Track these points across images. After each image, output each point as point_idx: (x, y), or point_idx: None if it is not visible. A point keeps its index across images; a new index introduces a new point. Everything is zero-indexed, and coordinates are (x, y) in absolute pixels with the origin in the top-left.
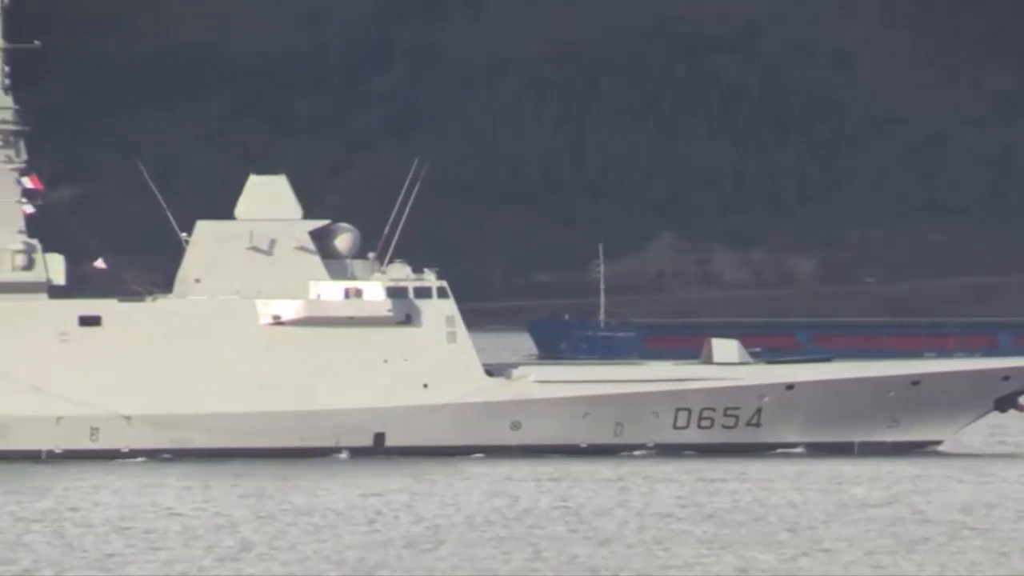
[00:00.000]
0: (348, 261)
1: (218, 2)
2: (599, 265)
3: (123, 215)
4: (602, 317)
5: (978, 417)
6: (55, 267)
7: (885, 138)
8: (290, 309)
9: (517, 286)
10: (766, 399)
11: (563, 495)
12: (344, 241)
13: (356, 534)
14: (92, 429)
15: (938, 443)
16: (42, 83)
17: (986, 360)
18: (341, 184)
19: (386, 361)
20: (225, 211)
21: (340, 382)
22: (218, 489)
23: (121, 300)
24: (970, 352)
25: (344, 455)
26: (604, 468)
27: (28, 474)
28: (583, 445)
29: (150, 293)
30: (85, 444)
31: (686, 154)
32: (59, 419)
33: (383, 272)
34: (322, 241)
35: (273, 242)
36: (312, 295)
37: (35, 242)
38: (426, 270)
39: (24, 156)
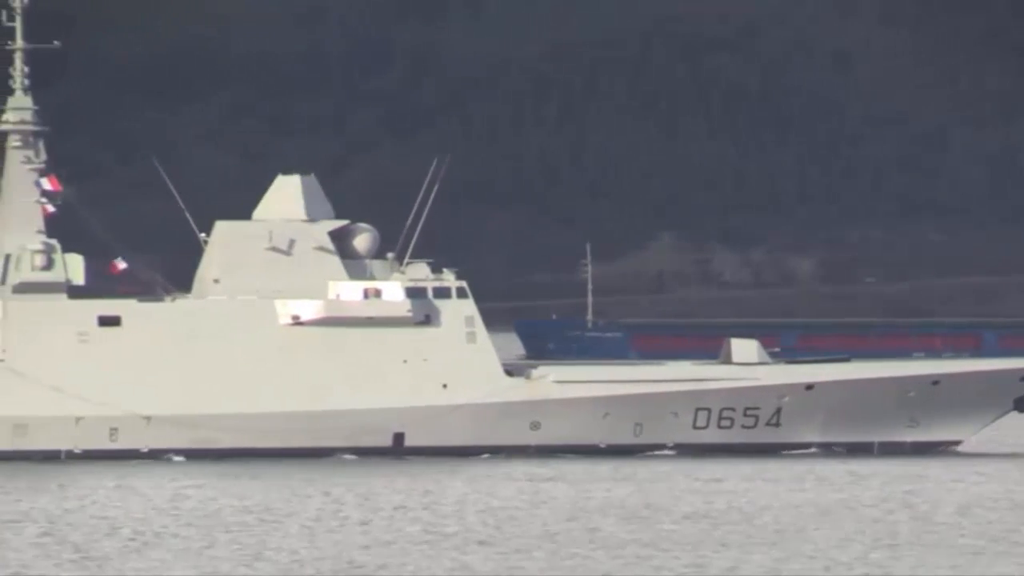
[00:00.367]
0: (367, 261)
1: (218, 2)
2: (586, 265)
3: (124, 215)
4: (590, 317)
5: (997, 417)
6: (74, 267)
7: (885, 138)
8: (309, 309)
9: (516, 286)
10: (786, 399)
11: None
12: (363, 241)
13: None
14: (111, 429)
15: (957, 443)
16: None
17: (1006, 360)
18: (341, 184)
19: (405, 361)
20: (227, 211)
21: (359, 382)
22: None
23: (140, 300)
24: (956, 352)
25: (351, 456)
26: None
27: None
28: (602, 445)
29: (169, 293)
30: (104, 444)
31: (686, 154)
32: (78, 419)
33: (402, 272)
34: (341, 241)
35: (292, 242)
36: (331, 295)
37: (54, 242)
38: (445, 270)
39: (43, 156)
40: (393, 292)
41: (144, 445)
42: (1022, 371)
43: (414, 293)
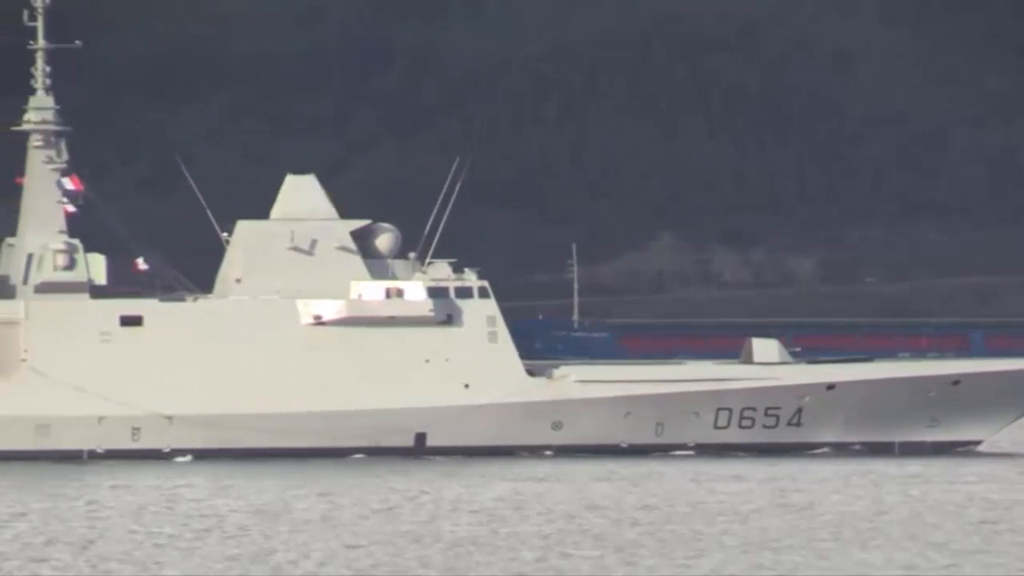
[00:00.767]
0: (389, 261)
1: (218, 2)
2: (572, 266)
3: (128, 214)
4: (575, 318)
5: (1018, 417)
6: (96, 267)
7: (885, 138)
8: (331, 309)
9: (516, 286)
10: (807, 399)
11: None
12: (385, 241)
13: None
14: (134, 429)
15: (978, 443)
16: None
17: None
18: (342, 184)
19: (427, 361)
20: (228, 211)
21: (381, 382)
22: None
23: (162, 300)
24: (942, 353)
25: (359, 456)
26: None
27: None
28: (624, 445)
29: (190, 293)
30: (127, 444)
31: (686, 154)
32: (101, 419)
33: (424, 272)
34: (363, 241)
35: (314, 242)
36: (353, 295)
37: (76, 242)
38: (467, 270)
39: (65, 156)
40: (415, 292)
41: (166, 445)
42: None
43: (436, 293)
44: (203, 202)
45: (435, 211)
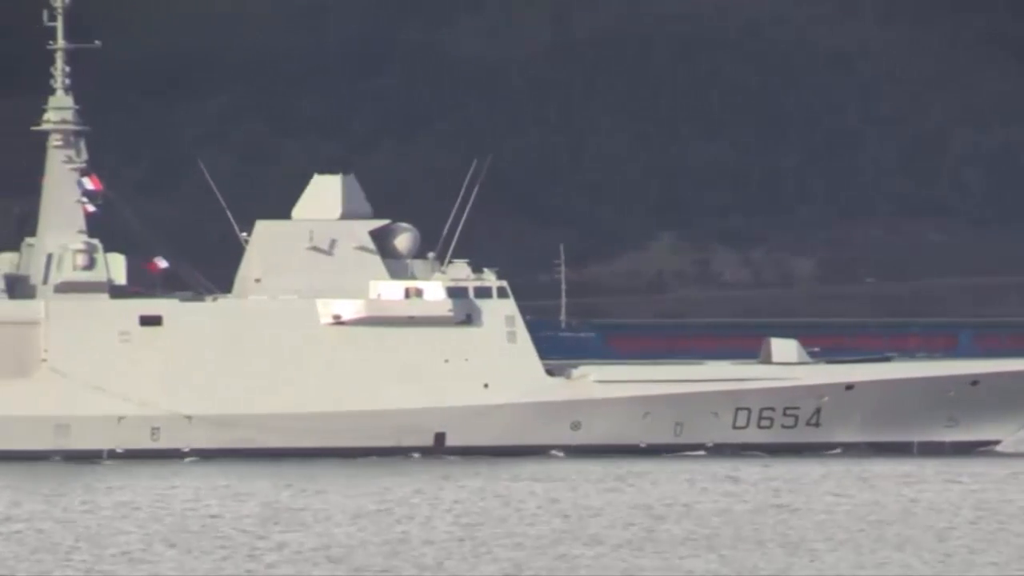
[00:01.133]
0: (408, 261)
1: (218, 1)
2: (559, 266)
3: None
4: (562, 318)
5: None
6: (116, 267)
7: (885, 138)
8: (351, 309)
9: (515, 286)
10: (825, 399)
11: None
12: (404, 241)
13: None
14: (153, 429)
15: (996, 443)
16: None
17: None
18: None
19: (447, 361)
20: (230, 212)
21: (401, 382)
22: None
23: (182, 300)
24: (930, 353)
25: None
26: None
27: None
28: (643, 445)
29: (210, 293)
30: (146, 444)
31: (686, 154)
32: (120, 419)
33: (443, 272)
34: (382, 241)
35: (333, 242)
36: (372, 295)
37: (96, 242)
38: (486, 270)
39: (84, 156)
40: (434, 292)
41: (185, 445)
42: None
43: (455, 293)
44: (223, 203)
45: (454, 211)
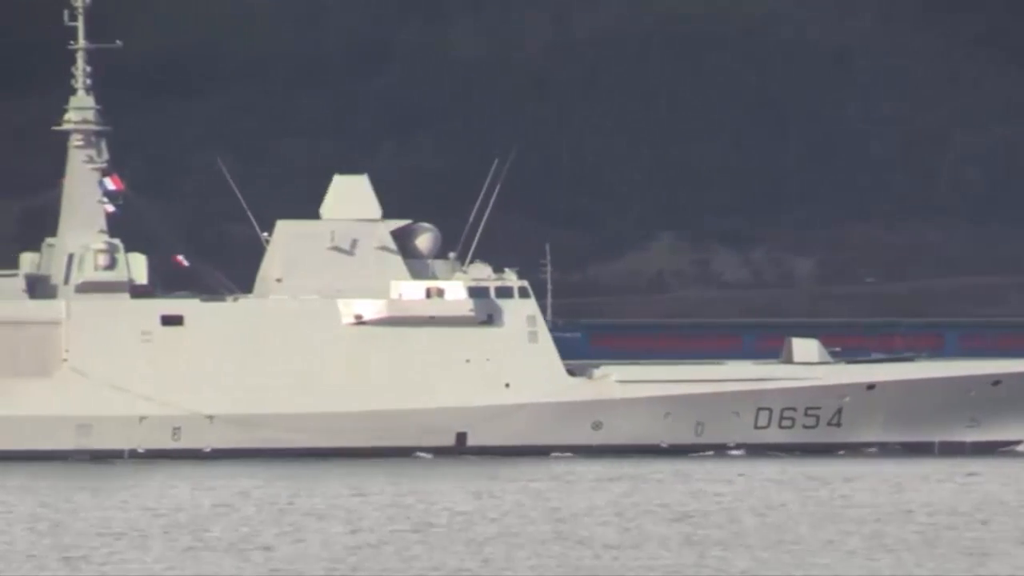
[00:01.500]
0: (429, 261)
1: (218, 1)
2: (546, 266)
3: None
4: (549, 317)
5: None
6: (137, 267)
7: (885, 138)
8: (372, 309)
9: None
10: (847, 399)
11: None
12: (425, 241)
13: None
14: (174, 429)
15: (1018, 443)
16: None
17: None
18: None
19: (468, 361)
20: (233, 211)
21: (422, 382)
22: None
23: (203, 300)
24: (917, 352)
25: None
26: None
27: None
28: (664, 445)
29: (231, 292)
30: (167, 444)
31: (686, 154)
32: (142, 418)
33: (464, 272)
34: (403, 241)
35: (355, 242)
36: (394, 295)
37: (117, 242)
38: (507, 270)
39: (106, 156)
40: (455, 292)
41: (207, 444)
42: None
43: (476, 293)
44: (243, 203)
45: (474, 211)
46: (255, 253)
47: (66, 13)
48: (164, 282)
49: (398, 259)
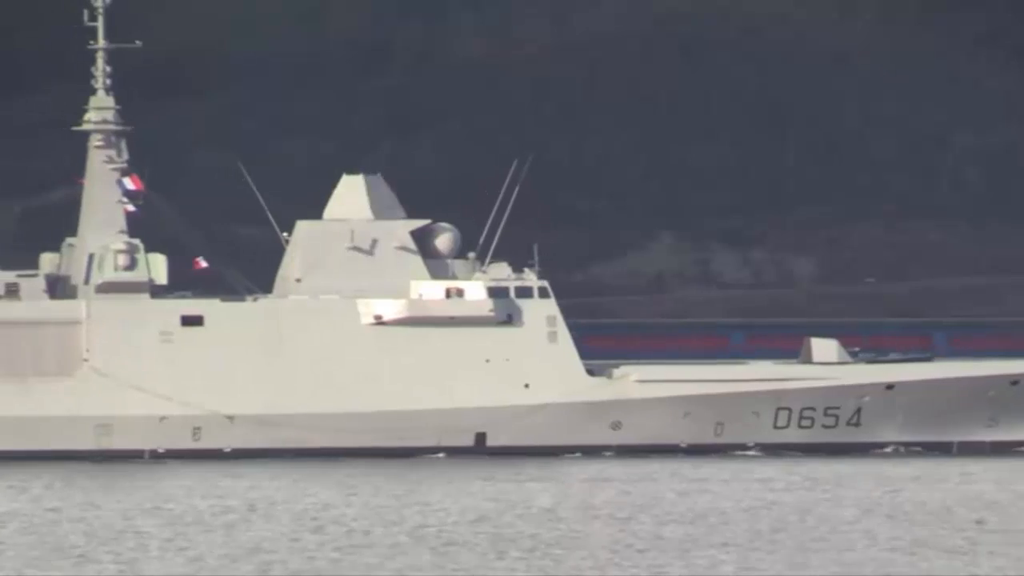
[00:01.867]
0: (449, 261)
1: (218, 1)
2: (534, 266)
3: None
4: None
5: None
6: (157, 267)
7: (885, 138)
8: (392, 309)
9: None
10: (866, 399)
11: None
12: (444, 241)
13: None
14: (195, 429)
15: None
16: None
17: None
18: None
19: (488, 361)
20: (233, 211)
21: (442, 382)
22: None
23: (223, 300)
24: (904, 353)
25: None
26: None
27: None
28: (683, 445)
29: (250, 292)
30: (187, 444)
31: (686, 154)
32: (162, 419)
33: (484, 272)
34: (422, 241)
35: (374, 242)
36: (413, 295)
37: (137, 242)
38: (526, 270)
39: (125, 156)
40: (475, 292)
41: (227, 445)
42: None
43: (496, 293)
44: (262, 203)
45: (494, 211)
46: (257, 254)
47: (86, 13)
48: (183, 284)
49: (418, 259)
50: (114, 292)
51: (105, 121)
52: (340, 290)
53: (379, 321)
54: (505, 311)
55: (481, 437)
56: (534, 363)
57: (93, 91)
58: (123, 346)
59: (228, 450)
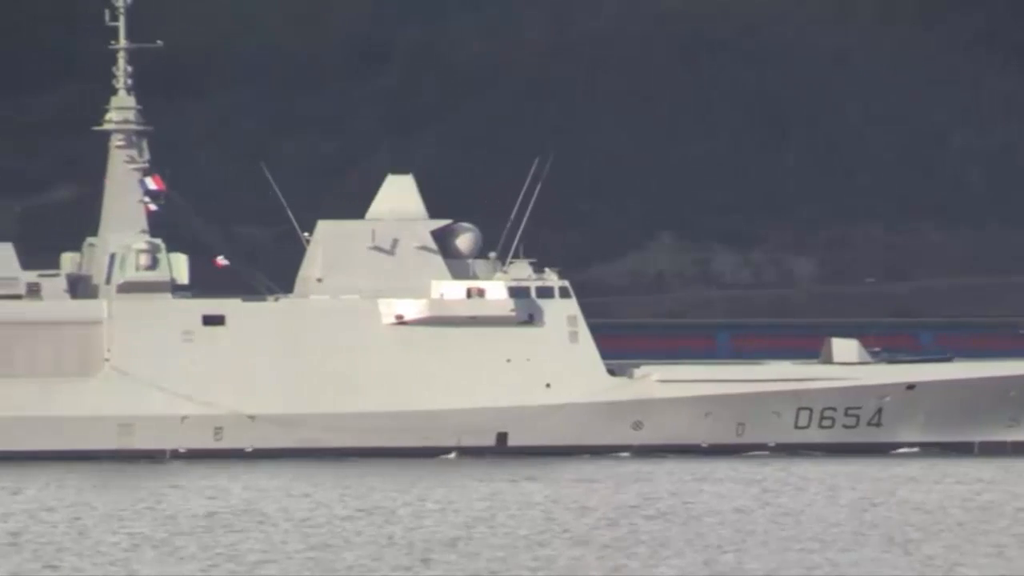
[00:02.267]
0: (470, 261)
1: (218, 1)
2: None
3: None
4: None
5: None
6: (179, 266)
7: (885, 138)
8: (413, 309)
9: None
10: (887, 399)
11: None
12: (466, 241)
13: None
14: (216, 429)
15: None
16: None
17: None
18: (344, 184)
19: (509, 361)
20: (235, 211)
21: (463, 382)
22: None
23: (245, 300)
24: (892, 352)
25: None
26: None
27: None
28: (704, 445)
29: (271, 292)
30: (209, 444)
31: (686, 154)
32: (183, 418)
33: (505, 272)
34: (443, 241)
35: (395, 242)
36: (435, 295)
37: (159, 242)
38: (547, 270)
39: (147, 156)
40: (496, 292)
41: (248, 444)
42: None
43: (517, 293)
44: (283, 201)
45: (515, 210)
46: (260, 254)
47: (107, 13)
48: (204, 283)
49: (439, 259)
50: (135, 292)
51: (127, 121)
52: (361, 290)
53: (400, 321)
54: (526, 311)
55: (502, 437)
56: (555, 363)
57: (114, 91)
58: (144, 346)
59: (249, 450)
